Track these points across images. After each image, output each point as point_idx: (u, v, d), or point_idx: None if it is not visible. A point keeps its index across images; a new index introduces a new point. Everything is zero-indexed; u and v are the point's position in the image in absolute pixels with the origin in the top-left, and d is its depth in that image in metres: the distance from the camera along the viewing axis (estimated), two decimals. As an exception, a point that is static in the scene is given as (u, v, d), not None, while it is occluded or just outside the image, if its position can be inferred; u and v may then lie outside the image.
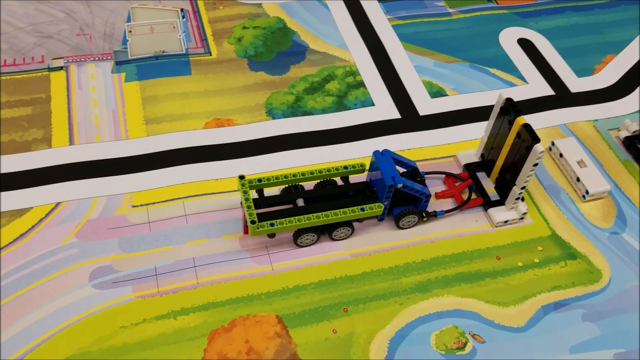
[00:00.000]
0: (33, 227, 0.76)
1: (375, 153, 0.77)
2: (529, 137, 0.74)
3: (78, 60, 0.97)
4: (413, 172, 0.80)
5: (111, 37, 1.02)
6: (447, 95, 0.99)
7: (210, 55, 1.01)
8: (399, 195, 0.79)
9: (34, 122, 0.88)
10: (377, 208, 0.76)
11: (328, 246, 0.78)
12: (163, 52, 1.00)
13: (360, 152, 0.89)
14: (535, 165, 0.75)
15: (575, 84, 1.04)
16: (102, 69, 0.96)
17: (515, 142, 0.77)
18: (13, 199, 0.79)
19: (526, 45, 1.10)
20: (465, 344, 0.71)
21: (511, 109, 0.77)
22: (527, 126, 0.75)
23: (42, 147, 0.85)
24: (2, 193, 0.80)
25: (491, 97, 0.99)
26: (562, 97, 1.01)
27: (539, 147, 0.73)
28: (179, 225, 0.78)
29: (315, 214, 0.74)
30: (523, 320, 0.73)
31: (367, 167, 0.80)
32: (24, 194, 0.80)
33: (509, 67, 1.05)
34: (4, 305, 0.69)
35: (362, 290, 0.74)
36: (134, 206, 0.79)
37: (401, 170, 0.80)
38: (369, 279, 0.75)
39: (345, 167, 0.79)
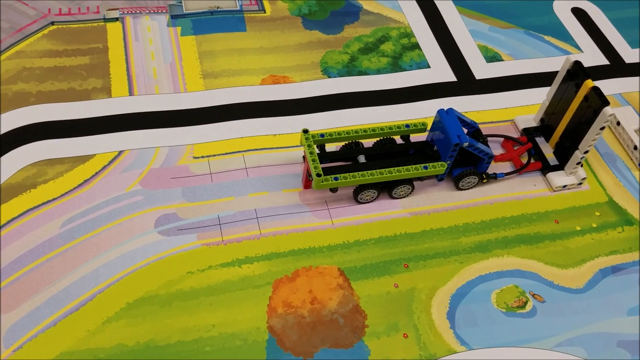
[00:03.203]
0: (97, 173, 0.77)
1: (440, 111, 0.76)
2: (598, 99, 0.74)
3: (133, 12, 0.97)
4: (475, 133, 0.79)
5: (165, -9, 1.02)
6: (502, 60, 0.98)
7: (264, 12, 1.01)
8: (460, 156, 0.79)
9: (93, 72, 0.88)
10: (440, 167, 0.76)
11: (387, 204, 0.78)
12: (217, 7, 1.00)
13: (416, 113, 0.89)
14: (602, 129, 0.75)
15: (629, 54, 1.03)
16: (157, 22, 0.96)
17: (581, 105, 0.77)
18: (75, 145, 0.80)
19: (580, 14, 1.09)
20: (525, 303, 0.71)
21: (580, 71, 0.77)
22: (596, 89, 0.75)
23: (102, 96, 0.86)
24: (65, 139, 0.80)
25: (547, 64, 0.99)
26: (617, 67, 1.00)
27: (608, 110, 0.73)
28: (239, 177, 0.79)
29: (378, 170, 0.74)
30: (582, 282, 0.74)
31: (428, 127, 0.79)
32: (86, 141, 0.81)
33: (564, 35, 1.04)
34: (71, 249, 0.70)
35: (422, 247, 0.75)
36: (195, 157, 0.80)
37: (464, 130, 0.79)
38: (429, 237, 0.76)
39: (407, 126, 0.79)
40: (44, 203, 0.74)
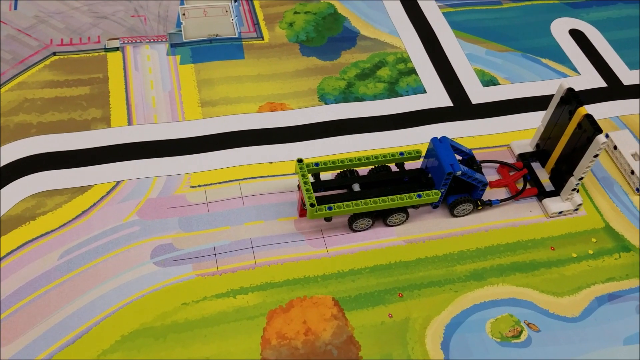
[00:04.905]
0: (95, 204, 0.78)
1: (434, 139, 0.77)
2: (591, 127, 0.73)
3: (133, 41, 0.99)
4: (469, 160, 0.79)
5: (165, 20, 1.03)
6: (499, 84, 0.98)
7: (263, 39, 1.02)
8: (454, 183, 0.79)
9: (93, 102, 0.89)
10: (434, 195, 0.76)
11: (382, 232, 0.78)
12: (217, 35, 1.01)
13: (412, 139, 0.89)
14: (596, 156, 0.75)
15: (628, 76, 1.02)
16: (157, 51, 0.97)
17: (575, 132, 0.77)
18: (74, 176, 0.81)
19: (578, 36, 1.09)
20: (520, 332, 0.71)
21: (572, 99, 0.77)
22: (589, 116, 0.75)
23: (101, 126, 0.86)
24: (64, 170, 0.81)
25: (544, 87, 0.98)
26: (615, 90, 1.00)
27: (601, 138, 0.73)
28: (236, 206, 0.79)
29: (372, 199, 0.74)
30: (577, 311, 0.73)
31: (423, 154, 0.80)
32: (85, 171, 0.81)
33: (561, 57, 1.04)
34: (68, 280, 0.71)
35: (416, 276, 0.75)
36: (192, 186, 0.80)
37: (458, 157, 0.80)
38: (424, 266, 0.76)
39: (402, 154, 0.79)
40: (42, 235, 0.74)
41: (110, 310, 0.69)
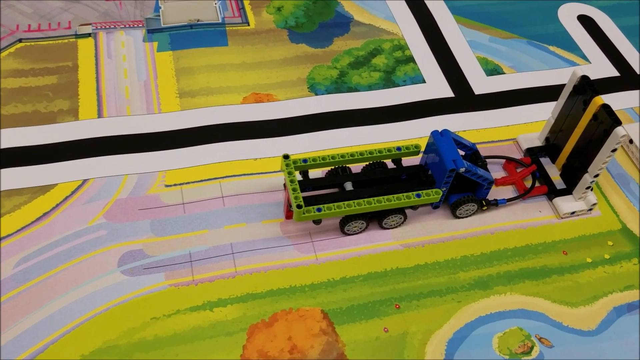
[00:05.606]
0: (57, 205, 0.71)
1: (434, 133, 0.70)
2: (609, 119, 0.67)
3: (107, 27, 0.92)
4: (473, 156, 0.73)
5: (142, 4, 0.95)
6: (504, 73, 0.92)
7: (248, 25, 0.95)
8: (457, 181, 0.73)
9: (60, 92, 0.83)
10: (435, 194, 0.69)
11: (377, 235, 0.72)
12: (198, 20, 0.94)
13: (411, 133, 0.83)
14: (614, 150, 0.68)
15: (641, 65, 0.96)
16: (133, 37, 0.90)
17: (590, 124, 0.70)
18: (36, 174, 0.74)
19: (587, 22, 1.02)
20: (531, 348, 0.65)
21: (587, 87, 0.70)
22: (606, 107, 0.68)
23: (68, 119, 0.80)
24: (25, 167, 0.74)
25: (552, 76, 0.93)
26: (628, 79, 0.94)
27: (620, 131, 0.66)
28: (215, 207, 0.73)
29: (365, 199, 0.67)
30: (594, 323, 0.67)
31: (422, 149, 0.73)
32: (48, 169, 0.75)
33: (570, 44, 0.98)
34: (24, 292, 0.64)
35: (415, 285, 0.68)
36: (167, 185, 0.74)
37: (461, 153, 0.73)
38: (423, 273, 0.69)
39: (399, 149, 0.72)
40: (-3, 240, 0.67)
41: (70, 325, 0.62)
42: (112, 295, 0.64)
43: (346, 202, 0.67)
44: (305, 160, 0.70)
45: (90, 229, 0.69)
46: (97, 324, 0.62)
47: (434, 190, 0.69)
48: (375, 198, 0.68)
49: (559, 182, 0.78)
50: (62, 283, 0.64)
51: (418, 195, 0.69)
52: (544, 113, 0.84)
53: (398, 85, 0.89)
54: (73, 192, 0.72)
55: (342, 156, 0.71)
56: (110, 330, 0.62)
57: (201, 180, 0.75)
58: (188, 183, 0.74)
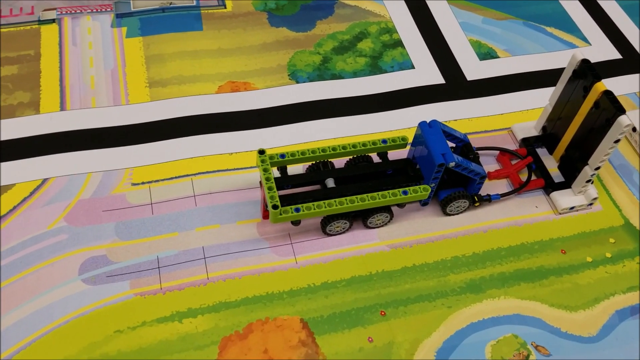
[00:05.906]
0: (15, 208, 0.67)
1: (422, 124, 0.66)
2: (612, 106, 0.63)
3: (73, 11, 0.87)
4: (465, 148, 0.69)
5: (111, -14, 0.90)
6: (498, 57, 0.89)
7: (225, 8, 0.91)
8: (447, 176, 0.69)
9: (20, 84, 0.79)
10: (423, 191, 0.64)
11: (362, 235, 0.68)
12: (170, 3, 0.90)
13: (397, 123, 0.80)
14: (617, 141, 0.64)
15: (645, 46, 0.93)
16: (100, 23, 0.86)
17: (591, 112, 0.66)
18: (-7, 173, 0.69)
19: (587, 1, 0.99)
20: (527, 357, 0.61)
21: (588, 72, 0.66)
22: (608, 93, 0.64)
23: (28, 112, 0.76)
24: (-19, 166, 0.69)
25: (550, 60, 0.89)
26: (631, 62, 0.90)
27: (624, 119, 0.62)
28: (186, 207, 0.69)
29: (348, 198, 0.64)
30: (595, 328, 0.64)
31: (410, 141, 0.69)
32: (6, 167, 0.70)
33: (569, 25, 0.95)
34: (-21, 302, 0.59)
35: (402, 289, 0.65)
36: (134, 184, 0.70)
37: (450, 144, 0.69)
38: (411, 276, 0.66)
39: (384, 141, 0.68)
40: (-54, 247, 0.63)
41: (27, 340, 0.58)
42: (73, 306, 0.61)
43: (327, 201, 0.63)
44: (282, 155, 0.65)
45: (50, 233, 0.65)
46: (55, 337, 0.58)
47: (422, 186, 0.65)
48: (359, 196, 0.64)
49: (557, 175, 0.75)
50: (18, 293, 0.61)
51: (405, 192, 0.64)
52: (541, 100, 0.81)
53: (385, 72, 0.84)
54: (32, 193, 0.68)
55: (323, 150, 0.67)
56: (70, 344, 0.58)
57: (171, 178, 0.71)
58: (157, 181, 0.70)
